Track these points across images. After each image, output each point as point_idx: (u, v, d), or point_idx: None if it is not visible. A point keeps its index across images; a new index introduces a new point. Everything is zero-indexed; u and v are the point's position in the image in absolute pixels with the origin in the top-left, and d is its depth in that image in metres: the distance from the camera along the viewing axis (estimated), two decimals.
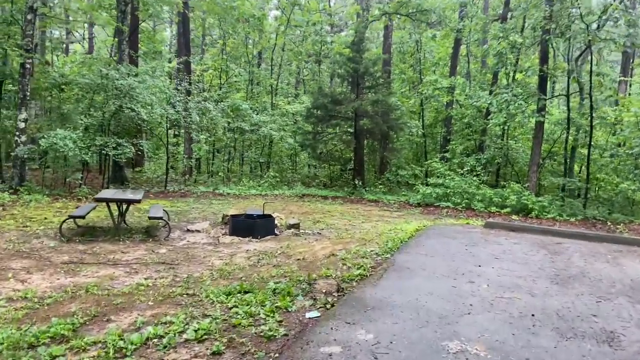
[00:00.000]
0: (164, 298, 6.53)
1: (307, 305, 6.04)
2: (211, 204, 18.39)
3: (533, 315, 5.48)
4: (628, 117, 21.65)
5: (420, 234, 10.19)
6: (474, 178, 21.89)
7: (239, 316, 5.57)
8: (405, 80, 32.09)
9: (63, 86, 20.57)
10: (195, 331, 5.01)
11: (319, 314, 5.64)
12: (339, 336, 4.78)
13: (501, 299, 5.96)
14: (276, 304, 5.94)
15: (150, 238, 11.55)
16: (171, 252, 10.26)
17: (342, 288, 6.43)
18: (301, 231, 12.53)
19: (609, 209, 18.88)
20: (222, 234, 12.13)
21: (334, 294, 6.35)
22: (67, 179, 18.98)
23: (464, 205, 20.39)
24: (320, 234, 12.59)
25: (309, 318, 5.58)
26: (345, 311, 5.46)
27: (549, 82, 24.04)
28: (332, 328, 4.98)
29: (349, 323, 5.13)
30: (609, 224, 16.84)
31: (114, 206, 11.45)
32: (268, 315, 5.59)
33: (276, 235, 12.20)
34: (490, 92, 24.01)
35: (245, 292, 6.61)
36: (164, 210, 12.79)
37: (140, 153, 22.77)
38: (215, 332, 5.08)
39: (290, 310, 5.82)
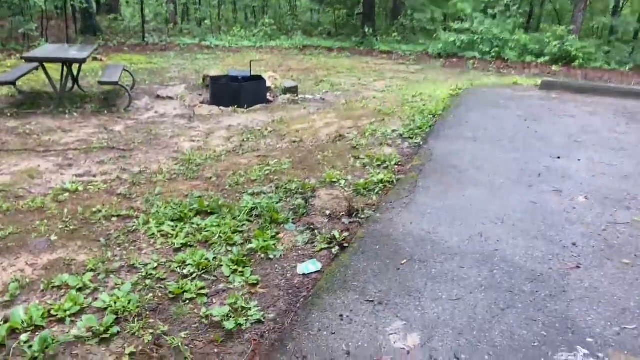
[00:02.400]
0: (82, 224, 4.21)
1: (300, 242, 3.74)
2: (195, 60, 15.42)
3: None
4: None
5: (457, 103, 7.57)
6: (508, 20, 18.35)
7: (184, 272, 3.31)
8: None
9: None
10: (97, 318, 2.78)
11: (319, 267, 3.36)
12: (360, 339, 2.51)
13: (622, 228, 3.60)
14: (250, 245, 3.62)
15: (107, 109, 8.94)
16: (129, 130, 7.76)
17: (356, 210, 4.05)
18: (300, 97, 9.86)
19: None
20: (200, 103, 9.50)
21: (343, 221, 4.00)
22: (21, 30, 15.83)
23: (493, 55, 17.28)
24: (323, 100, 9.94)
25: (303, 275, 3.31)
26: (362, 265, 3.20)
27: None
28: (342, 316, 2.71)
29: (372, 301, 2.85)
30: None
31: (55, 68, 8.70)
32: (233, 272, 3.32)
33: (268, 102, 9.56)
34: None
35: (208, 214, 4.28)
36: (127, 70, 10.00)
37: None
38: (131, 322, 2.84)
39: (272, 256, 3.53)
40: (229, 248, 3.70)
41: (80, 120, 8.30)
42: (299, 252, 3.64)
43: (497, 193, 4.31)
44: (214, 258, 3.54)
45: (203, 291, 3.15)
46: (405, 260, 3.25)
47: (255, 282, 3.24)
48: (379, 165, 5.16)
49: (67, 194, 4.96)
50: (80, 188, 5.20)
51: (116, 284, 3.27)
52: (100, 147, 6.83)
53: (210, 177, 5.34)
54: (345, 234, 3.74)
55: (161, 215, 4.25)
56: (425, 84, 11.34)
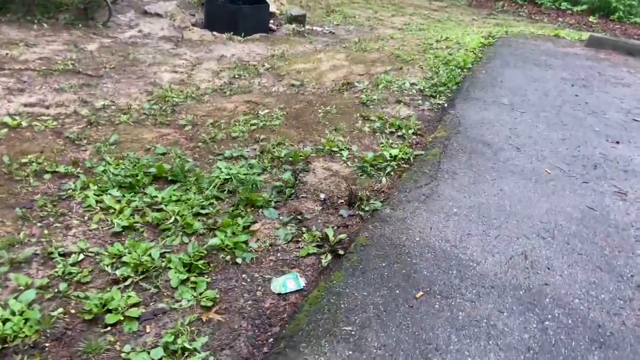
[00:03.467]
0: (1, 180, 3.26)
1: (281, 238, 2.79)
2: None
3: None
4: None
5: (490, 55, 6.39)
6: None
7: (117, 273, 2.40)
8: None
9: None
10: None
11: (300, 286, 2.43)
12: None
13: None
14: (212, 240, 2.68)
15: (83, 22, 7.69)
16: (103, 51, 6.61)
17: (359, 198, 3.07)
18: (307, 28, 8.58)
19: None
20: (192, 25, 8.25)
21: (341, 212, 3.03)
22: None
23: None
24: (333, 34, 8.68)
25: (278, 295, 2.38)
26: (361, 295, 2.34)
27: None
28: None
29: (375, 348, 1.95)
30: None
31: None
32: (183, 282, 2.40)
33: (270, 31, 8.32)
34: None
35: (168, 182, 3.31)
36: None
37: None
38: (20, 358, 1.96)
39: (240, 260, 2.59)
40: (185, 240, 2.75)
41: (49, 33, 7.11)
42: (278, 254, 2.70)
43: (543, 189, 3.31)
44: (161, 256, 2.59)
45: (134, 311, 2.23)
46: (421, 293, 2.31)
47: (210, 302, 2.32)
48: (392, 133, 4.11)
49: (4, 131, 3.96)
50: (24, 123, 4.20)
51: (19, 286, 2.34)
52: (64, 69, 5.73)
53: (185, 126, 4.31)
54: (342, 235, 2.78)
55: (107, 179, 3.27)
56: (450, 26, 9.99)
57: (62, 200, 3.10)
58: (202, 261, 2.53)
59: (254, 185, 3.26)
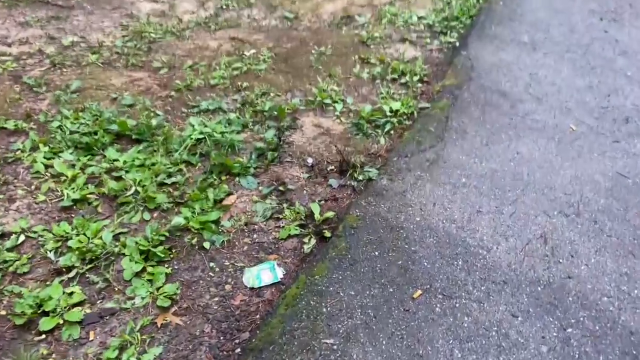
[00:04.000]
0: None
1: (259, 214, 2.39)
2: None
3: None
4: None
5: None
6: None
7: (59, 261, 2.05)
8: None
9: None
10: None
11: (278, 278, 2.05)
12: None
13: None
14: (177, 219, 2.28)
15: None
16: None
17: (353, 165, 2.62)
18: None
19: None
20: None
21: (330, 182, 2.59)
22: None
23: None
24: None
25: (250, 290, 2.00)
26: (347, 293, 1.98)
27: None
28: None
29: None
30: None
31: None
32: (139, 274, 2.02)
33: None
34: None
35: (132, 141, 2.87)
36: None
37: None
38: None
39: (208, 244, 2.20)
40: (146, 217, 2.35)
41: None
42: (254, 235, 2.30)
43: (567, 151, 2.84)
44: (115, 238, 2.20)
45: (76, 313, 1.87)
46: (419, 292, 1.92)
47: (168, 300, 1.94)
48: (394, 80, 3.58)
49: None
50: None
51: None
52: None
53: (160, 68, 3.80)
54: (330, 213, 2.36)
55: (61, 138, 2.82)
56: None
57: (7, 165, 2.68)
58: (161, 247, 2.13)
59: (231, 147, 2.81)
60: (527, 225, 2.29)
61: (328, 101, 3.23)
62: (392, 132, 2.98)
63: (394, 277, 1.98)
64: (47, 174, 2.60)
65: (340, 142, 2.90)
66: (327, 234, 2.24)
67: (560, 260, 2.13)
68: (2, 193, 2.48)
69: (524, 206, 2.40)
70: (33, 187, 2.54)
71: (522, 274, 2.04)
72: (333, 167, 2.67)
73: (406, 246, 2.12)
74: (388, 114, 3.06)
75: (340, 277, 1.97)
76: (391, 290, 1.93)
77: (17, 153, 2.75)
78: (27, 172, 2.63)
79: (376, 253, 2.08)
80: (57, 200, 2.46)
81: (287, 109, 3.15)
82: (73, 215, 2.37)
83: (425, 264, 2.05)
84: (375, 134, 2.96)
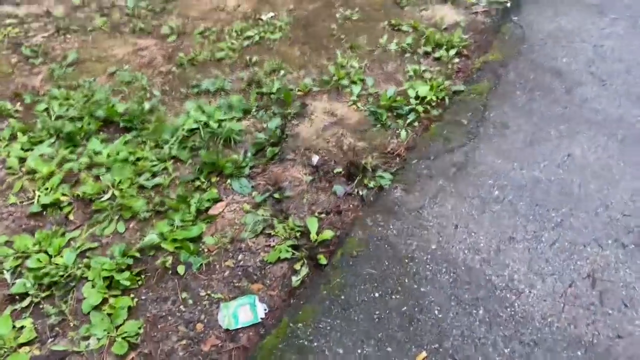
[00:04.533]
0: None
1: (248, 228, 2.06)
2: None
3: None
4: None
5: None
6: None
7: (14, 285, 1.83)
8: None
9: None
10: None
11: (257, 318, 1.72)
12: None
13: None
14: (149, 236, 1.96)
15: None
16: None
17: (363, 169, 2.21)
18: None
19: None
20: None
21: (334, 189, 2.19)
22: None
23: None
24: None
25: (225, 332, 1.69)
26: (338, 324, 1.60)
27: None
28: None
29: None
30: None
31: None
32: (98, 306, 1.74)
33: None
34: None
35: (119, 130, 2.57)
36: None
37: None
38: None
39: (182, 269, 1.90)
40: (120, 229, 2.05)
41: None
42: (239, 257, 1.97)
43: (632, 153, 2.31)
44: (80, 255, 1.92)
45: (24, 357, 1.62)
46: (424, 355, 1.55)
47: (126, 344, 1.66)
48: (427, 55, 3.06)
49: None
50: None
51: None
52: None
53: (168, 35, 3.42)
54: (328, 232, 1.98)
55: (42, 126, 2.53)
56: None
57: None
58: (127, 274, 1.83)
59: (228, 140, 2.44)
60: (571, 260, 1.84)
61: (345, 82, 2.78)
62: (416, 123, 2.51)
63: (394, 331, 1.61)
64: (21, 171, 2.33)
65: (354, 136, 2.47)
66: (323, 260, 1.88)
67: (610, 312, 1.69)
68: None
69: (571, 232, 1.94)
70: (5, 185, 2.28)
71: (560, 331, 1.63)
72: (341, 170, 2.27)
73: (415, 286, 1.73)
74: (413, 100, 2.59)
75: (329, 328, 1.61)
76: (389, 349, 1.56)
77: None
78: (2, 166, 2.38)
79: (376, 294, 1.71)
80: (28, 203, 2.19)
81: (298, 91, 2.74)
82: (41, 224, 2.10)
83: (437, 312, 1.66)
84: (396, 126, 2.50)
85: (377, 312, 1.66)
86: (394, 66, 2.97)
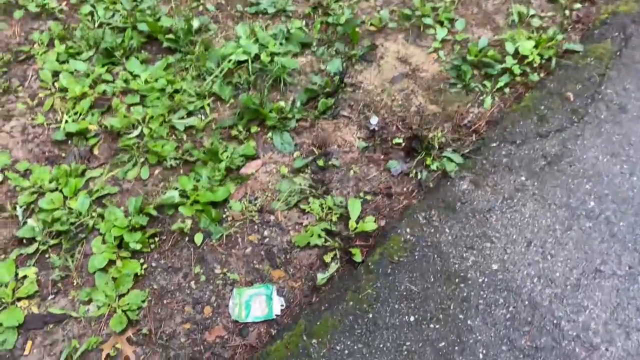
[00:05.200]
0: None
1: (280, 199, 1.78)
2: None
3: None
4: None
5: None
6: None
7: (22, 229, 1.66)
8: None
9: None
10: None
11: (272, 314, 1.51)
12: None
13: None
14: (167, 198, 1.76)
15: None
16: None
17: (428, 144, 1.82)
18: None
19: None
20: None
21: (390, 163, 1.83)
22: None
23: None
24: None
25: (234, 323, 1.50)
26: (357, 350, 1.32)
27: None
28: None
29: None
30: None
31: None
32: (102, 270, 1.61)
33: None
34: None
35: (163, 50, 2.28)
36: None
37: None
38: None
39: (199, 241, 1.66)
40: (144, 174, 1.85)
41: None
42: (265, 231, 1.73)
43: None
44: (93, 204, 1.75)
45: (20, 314, 1.53)
46: None
47: (126, 319, 1.51)
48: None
49: None
50: None
51: None
52: None
53: None
54: (371, 221, 1.66)
55: (82, 35, 2.29)
56: None
57: (18, 64, 2.24)
58: (139, 235, 1.64)
59: (278, 79, 2.09)
60: None
61: (429, 20, 2.27)
62: (507, 89, 2.03)
63: None
64: (53, 86, 2.13)
65: (426, 95, 2.04)
66: (358, 257, 1.59)
67: None
68: (0, 105, 2.08)
69: None
70: (36, 101, 2.10)
71: None
72: (401, 141, 1.88)
73: (461, 316, 1.42)
74: (510, 58, 2.07)
75: (347, 352, 1.36)
76: None
77: (34, 47, 2.29)
78: (36, 77, 2.19)
79: (412, 318, 1.42)
80: (55, 126, 2.01)
81: (370, 25, 2.28)
82: (64, 154, 1.92)
83: (481, 356, 1.36)
84: (481, 89, 2.03)
85: (407, 344, 1.38)
86: (495, 3, 2.40)
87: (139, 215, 1.69)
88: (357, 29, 2.20)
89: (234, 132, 1.95)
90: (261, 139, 1.95)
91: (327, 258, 1.62)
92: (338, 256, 1.62)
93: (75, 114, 2.03)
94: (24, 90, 2.15)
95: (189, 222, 1.71)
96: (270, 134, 1.95)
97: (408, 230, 1.61)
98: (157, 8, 2.44)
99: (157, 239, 1.68)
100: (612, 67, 2.03)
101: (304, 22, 2.36)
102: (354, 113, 2.01)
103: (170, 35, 2.27)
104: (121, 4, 2.48)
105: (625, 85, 1.97)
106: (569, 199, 1.66)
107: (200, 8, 2.49)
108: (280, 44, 2.24)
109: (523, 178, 1.72)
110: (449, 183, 1.73)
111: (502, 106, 1.99)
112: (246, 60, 2.16)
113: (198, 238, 1.67)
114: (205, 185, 1.77)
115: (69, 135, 1.96)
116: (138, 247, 1.62)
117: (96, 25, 2.39)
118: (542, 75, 2.06)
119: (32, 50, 2.28)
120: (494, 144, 1.82)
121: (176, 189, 1.77)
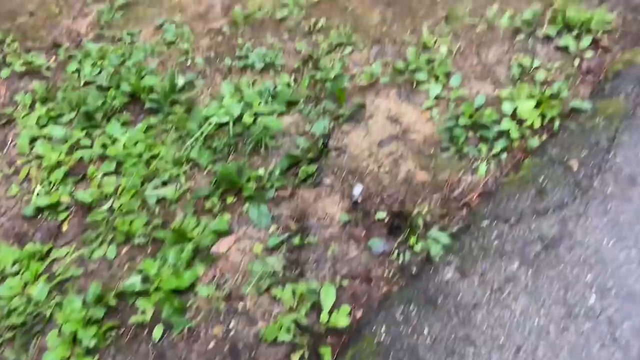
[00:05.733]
0: None
1: (251, 283, 1.64)
2: None
3: None
4: None
5: None
6: None
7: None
8: None
9: None
10: None
11: None
12: None
13: None
14: (129, 284, 1.66)
15: None
16: None
17: (411, 223, 1.66)
18: None
19: None
20: None
21: (371, 241, 1.68)
22: None
23: None
24: None
25: None
26: None
27: None
28: None
29: None
30: None
31: None
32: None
33: None
34: None
35: (144, 112, 2.21)
36: None
37: None
38: None
39: (157, 336, 1.55)
40: (109, 254, 1.75)
41: None
42: (232, 322, 1.60)
43: None
44: (54, 289, 1.66)
45: None
46: None
47: None
48: (548, 40, 2.24)
49: None
50: None
51: None
52: None
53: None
54: (344, 314, 1.52)
55: (65, 97, 2.23)
56: None
57: (0, 127, 2.21)
58: (94, 329, 1.54)
59: (259, 143, 1.98)
60: None
61: (423, 75, 2.11)
62: (504, 155, 1.85)
63: None
64: (30, 153, 2.08)
65: (416, 160, 1.89)
66: (327, 357, 1.44)
67: None
68: None
69: None
70: (12, 169, 2.05)
71: None
72: (385, 215, 1.73)
73: None
74: (508, 119, 1.89)
75: None
76: None
77: (16, 110, 2.25)
78: (15, 144, 2.14)
79: None
80: (28, 198, 1.95)
81: (361, 80, 2.14)
82: (33, 230, 1.85)
83: None
84: (476, 154, 1.86)
85: None
86: (497, 53, 2.22)
87: (97, 306, 1.59)
88: (344, 87, 2.07)
89: (208, 205, 1.84)
90: (237, 212, 1.83)
91: (295, 358, 1.47)
92: (306, 357, 1.47)
93: (49, 183, 1.97)
94: (2, 157, 2.11)
95: (150, 312, 1.59)
96: (246, 206, 1.83)
97: (383, 327, 1.46)
98: (144, 64, 2.37)
99: (113, 334, 1.58)
100: (623, 130, 1.82)
101: (292, 77, 2.25)
102: (337, 181, 1.87)
103: (153, 95, 2.19)
104: (109, 59, 2.42)
105: (638, 153, 1.76)
106: (566, 294, 1.47)
107: (189, 63, 2.41)
108: (266, 102, 2.13)
109: (515, 266, 1.54)
110: (432, 270, 1.57)
111: (498, 175, 1.81)
112: (228, 122, 2.05)
113: (158, 332, 1.56)
114: (171, 269, 1.66)
115: (40, 209, 1.89)
116: (92, 344, 1.52)
117: (82, 83, 2.34)
118: (543, 137, 1.87)
119: (14, 113, 2.24)
120: (486, 222, 1.65)
121: (141, 271, 1.67)
